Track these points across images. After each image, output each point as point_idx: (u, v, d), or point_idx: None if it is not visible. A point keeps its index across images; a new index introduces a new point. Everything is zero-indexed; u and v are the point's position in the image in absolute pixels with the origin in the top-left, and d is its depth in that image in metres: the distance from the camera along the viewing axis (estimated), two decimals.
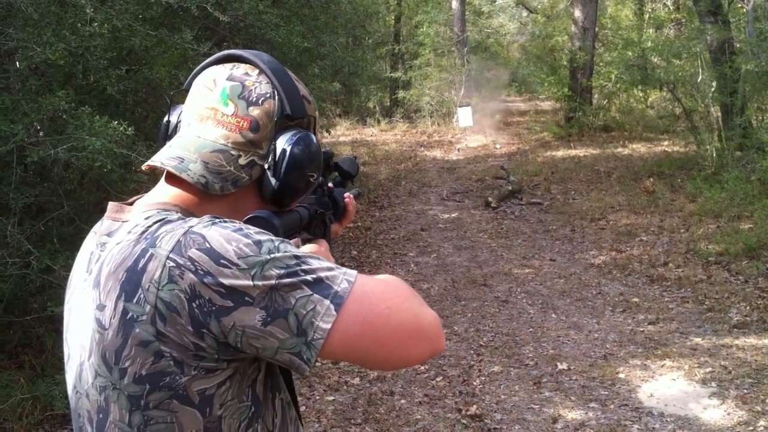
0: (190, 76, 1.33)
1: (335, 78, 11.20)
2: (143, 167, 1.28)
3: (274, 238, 1.12)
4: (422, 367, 5.37)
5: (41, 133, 4.17)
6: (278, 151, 1.25)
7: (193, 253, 1.07)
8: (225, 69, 1.28)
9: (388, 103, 20.31)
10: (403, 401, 4.87)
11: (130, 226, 1.18)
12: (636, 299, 6.58)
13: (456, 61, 18.37)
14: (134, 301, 1.09)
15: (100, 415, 1.15)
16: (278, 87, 1.26)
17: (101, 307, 1.13)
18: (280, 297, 1.06)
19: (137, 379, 1.10)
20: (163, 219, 1.15)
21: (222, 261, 1.06)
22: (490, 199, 10.79)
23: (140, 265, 1.09)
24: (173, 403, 1.10)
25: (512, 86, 23.79)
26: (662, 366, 5.16)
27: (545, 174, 12.44)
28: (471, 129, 17.20)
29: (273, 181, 1.26)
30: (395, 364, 1.18)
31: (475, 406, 4.69)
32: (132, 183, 4.85)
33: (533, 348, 5.65)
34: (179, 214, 1.17)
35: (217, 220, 1.12)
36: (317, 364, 5.48)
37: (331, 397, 4.95)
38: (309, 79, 8.47)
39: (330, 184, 1.76)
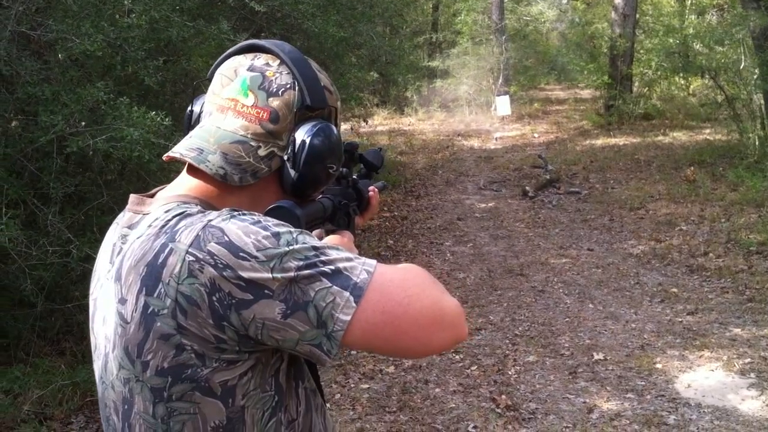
0: (214, 65, 1.33)
1: (372, 67, 11.22)
2: (164, 158, 1.29)
3: (292, 229, 1.12)
4: (457, 356, 5.38)
5: (83, 124, 4.24)
6: (297, 142, 1.25)
7: (213, 246, 1.07)
8: (246, 59, 1.28)
9: (426, 93, 20.24)
10: (437, 390, 4.88)
11: (150, 219, 1.18)
12: (675, 289, 6.51)
13: (494, 49, 18.22)
14: (155, 295, 1.10)
15: (126, 407, 1.17)
16: (299, 77, 1.26)
17: (123, 301, 1.15)
18: (299, 289, 1.07)
19: (159, 371, 1.11)
20: (183, 212, 1.15)
21: (241, 254, 1.06)
22: (527, 188, 10.72)
23: (160, 260, 1.10)
24: (196, 395, 1.11)
25: (552, 74, 23.59)
26: (700, 357, 5.10)
27: (584, 163, 12.31)
28: (509, 118, 17.09)
29: (292, 172, 1.25)
30: (418, 352, 1.18)
31: (509, 396, 4.69)
32: (172, 173, 4.91)
33: (569, 338, 5.62)
34: (199, 207, 1.18)
35: (236, 213, 1.13)
36: (352, 352, 5.52)
37: (366, 385, 4.97)
38: (345, 68, 8.49)
39: (355, 176, 1.76)
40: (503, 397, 4.67)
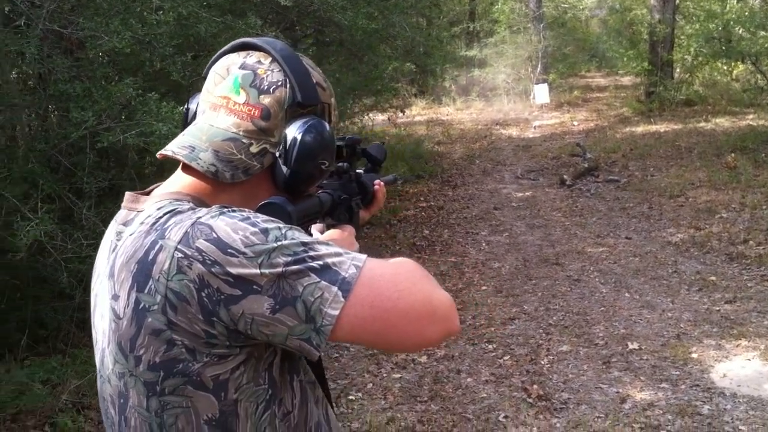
0: (209, 63, 1.34)
1: (407, 58, 11.19)
2: (158, 155, 1.30)
3: (282, 225, 1.13)
4: (490, 346, 5.37)
5: (119, 118, 4.30)
6: (289, 139, 1.25)
7: (201, 243, 1.08)
8: (239, 57, 1.29)
9: (464, 82, 20.14)
10: (469, 380, 4.88)
11: (143, 216, 1.20)
12: (713, 278, 6.41)
13: (532, 37, 18.06)
14: (146, 291, 1.11)
15: (122, 400, 1.20)
16: (290, 75, 1.26)
17: (116, 297, 1.17)
18: (287, 285, 1.07)
19: (152, 366, 1.13)
20: (174, 210, 1.17)
21: (229, 250, 1.07)
22: (565, 176, 10.63)
23: (150, 257, 1.12)
24: (188, 389, 1.13)
25: (592, 62, 23.30)
26: (737, 346, 5.02)
27: (623, 150, 12.16)
28: (548, 106, 16.95)
29: (284, 169, 1.26)
30: (408, 347, 1.19)
31: (541, 386, 4.67)
32: None
33: (604, 327, 5.57)
34: (190, 204, 1.19)
35: (225, 210, 1.14)
36: None
37: (398, 375, 4.99)
38: (380, 60, 8.49)
39: (361, 170, 1.74)
40: (535, 386, 4.66)
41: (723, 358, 4.87)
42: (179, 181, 1.27)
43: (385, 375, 5.01)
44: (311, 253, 1.10)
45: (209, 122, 1.28)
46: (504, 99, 18.37)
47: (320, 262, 1.09)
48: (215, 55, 1.34)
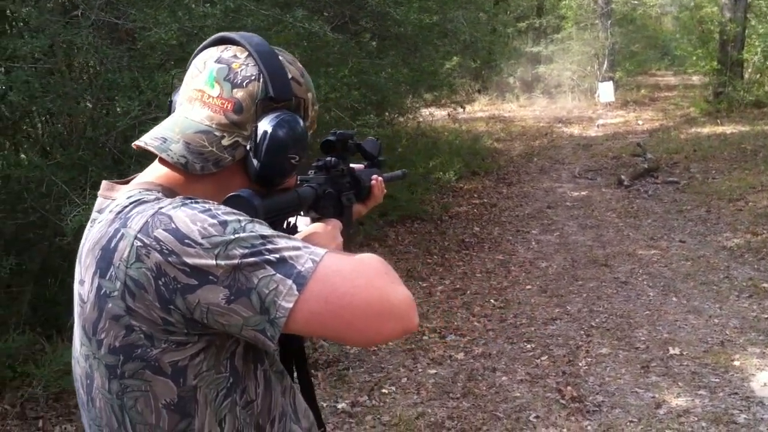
0: (191, 57, 1.37)
1: (466, 54, 11.16)
2: (133, 145, 1.33)
3: (242, 218, 1.15)
4: (528, 345, 5.35)
5: (165, 109, 4.40)
6: (260, 132, 1.27)
7: (159, 233, 1.11)
8: (217, 51, 1.31)
9: (529, 79, 19.95)
10: (504, 378, 4.87)
11: (113, 204, 1.24)
12: (766, 284, 6.24)
13: (599, 34, 17.79)
14: (107, 277, 1.15)
15: (88, 381, 1.24)
16: (263, 69, 1.28)
17: (82, 282, 1.21)
18: (243, 276, 1.09)
19: (112, 350, 1.17)
20: (139, 200, 1.20)
21: (186, 241, 1.10)
22: (623, 177, 10.47)
23: (113, 244, 1.15)
24: (146, 373, 1.16)
25: (663, 60, 22.85)
26: None
27: (686, 152, 11.90)
28: (613, 104, 16.69)
29: (255, 162, 1.28)
30: (361, 342, 1.19)
31: (576, 387, 4.63)
32: None
33: (647, 331, 5.48)
34: (156, 195, 1.22)
35: (188, 201, 1.16)
36: (424, 337, 5.56)
37: (434, 371, 5.00)
38: (435, 55, 8.48)
39: (361, 165, 1.75)
40: (569, 388, 4.62)
41: (765, 366, 4.75)
42: (154, 172, 1.30)
43: (420, 370, 5.03)
44: (269, 246, 1.12)
45: (184, 114, 1.30)
46: (568, 96, 18.16)
47: (277, 255, 1.11)
48: (197, 49, 1.36)
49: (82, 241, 1.29)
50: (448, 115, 13.42)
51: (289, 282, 1.10)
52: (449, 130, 13.22)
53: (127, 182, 1.32)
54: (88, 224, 1.30)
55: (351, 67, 5.91)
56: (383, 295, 1.16)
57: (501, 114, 17.41)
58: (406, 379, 4.90)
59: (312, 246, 1.17)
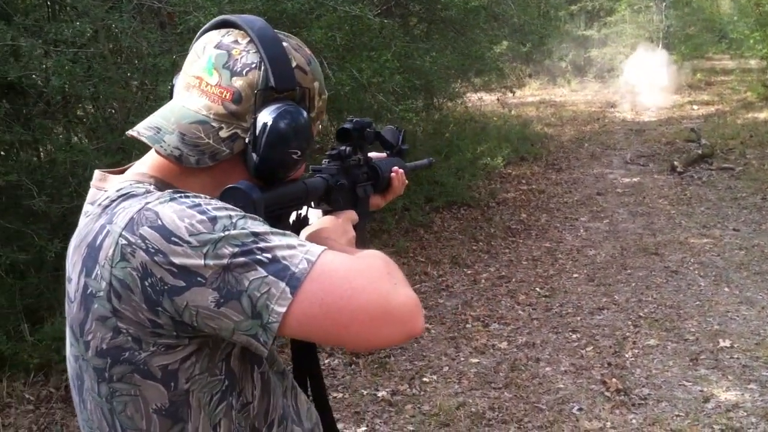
0: (193, 40, 1.28)
1: (516, 38, 10.99)
2: (127, 134, 1.25)
3: (234, 213, 1.07)
4: (573, 335, 5.25)
5: None
6: (259, 124, 1.17)
7: (145, 230, 1.04)
8: (217, 35, 1.22)
9: (581, 63, 19.61)
10: (548, 369, 4.78)
11: (103, 197, 1.17)
12: None
13: (654, 17, 17.40)
14: (93, 276, 1.09)
15: (79, 382, 1.19)
16: (264, 57, 1.18)
17: (69, 280, 1.16)
18: (233, 278, 1.02)
19: (99, 352, 1.11)
20: (128, 193, 1.13)
21: (173, 239, 1.03)
22: (676, 163, 10.21)
23: (98, 242, 1.09)
24: (135, 377, 1.10)
25: (720, 43, 22.24)
26: None
27: (742, 137, 11.57)
28: (667, 89, 16.29)
29: (254, 155, 1.19)
30: (359, 347, 1.13)
31: (621, 380, 4.52)
32: None
33: (697, 322, 5.33)
34: (147, 188, 1.15)
35: (177, 196, 1.09)
36: (467, 325, 5.50)
37: (476, 360, 4.94)
38: (480, 38, 8.36)
39: (382, 154, 1.67)
40: (614, 380, 4.51)
41: None
42: (149, 162, 1.22)
43: (462, 359, 4.97)
44: (261, 245, 1.04)
45: (182, 102, 1.22)
46: (621, 81, 17.78)
47: (269, 255, 1.04)
48: (199, 32, 1.27)
49: (73, 235, 1.22)
50: (498, 99, 13.23)
51: (282, 284, 1.03)
52: (498, 115, 13.02)
53: (122, 171, 1.24)
54: (81, 216, 1.22)
55: (394, 51, 5.83)
56: (383, 297, 1.07)
57: (552, 99, 17.15)
58: (447, 367, 4.85)
59: (308, 244, 1.09)
